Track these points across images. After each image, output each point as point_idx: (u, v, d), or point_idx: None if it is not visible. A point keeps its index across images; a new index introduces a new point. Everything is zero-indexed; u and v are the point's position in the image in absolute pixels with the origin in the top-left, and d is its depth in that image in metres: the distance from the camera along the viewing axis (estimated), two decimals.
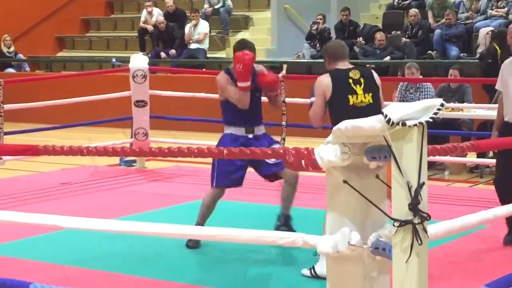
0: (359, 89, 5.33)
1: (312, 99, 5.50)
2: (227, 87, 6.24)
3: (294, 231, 5.87)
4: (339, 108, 5.32)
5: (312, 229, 5.82)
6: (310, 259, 5.61)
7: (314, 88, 5.46)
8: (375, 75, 5.52)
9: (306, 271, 5.55)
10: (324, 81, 5.38)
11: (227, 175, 6.26)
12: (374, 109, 5.05)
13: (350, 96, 5.30)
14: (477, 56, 12.47)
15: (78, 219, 3.97)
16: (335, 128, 3.26)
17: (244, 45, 6.31)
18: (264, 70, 6.40)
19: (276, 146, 6.30)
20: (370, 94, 5.37)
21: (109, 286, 5.55)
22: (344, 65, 5.46)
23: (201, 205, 6.41)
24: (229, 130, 6.37)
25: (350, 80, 5.34)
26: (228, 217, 6.76)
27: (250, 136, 6.32)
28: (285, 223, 6.39)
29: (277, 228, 6.27)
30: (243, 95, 6.19)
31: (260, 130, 6.42)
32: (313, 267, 5.47)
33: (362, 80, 5.37)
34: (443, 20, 13.96)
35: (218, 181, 6.30)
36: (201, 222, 6.34)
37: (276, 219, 6.43)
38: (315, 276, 5.42)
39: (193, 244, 6.28)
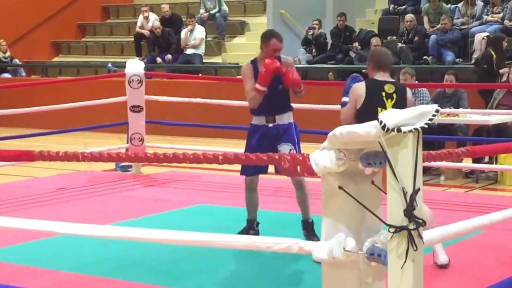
0: (389, 104, 5.47)
1: (344, 98, 5.70)
2: (246, 79, 6.34)
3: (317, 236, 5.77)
4: (367, 118, 5.36)
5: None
6: (306, 266, 5.61)
7: (346, 89, 5.67)
8: (409, 93, 5.72)
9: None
10: (359, 89, 5.59)
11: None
12: None
13: (379, 109, 5.43)
14: (473, 61, 12.50)
15: (73, 224, 3.96)
16: (330, 134, 3.26)
17: (268, 35, 6.32)
18: (289, 68, 6.31)
19: (286, 146, 6.27)
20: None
21: None
22: (382, 76, 5.66)
23: None
24: (252, 120, 6.45)
25: (383, 93, 5.52)
26: (230, 224, 6.75)
27: (270, 125, 6.33)
28: (304, 227, 6.35)
29: (306, 237, 6.20)
30: (256, 97, 6.28)
31: (283, 119, 6.36)
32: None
33: (394, 95, 5.54)
34: (438, 26, 13.99)
35: (243, 170, 6.39)
36: (248, 216, 6.50)
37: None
38: None
39: None
